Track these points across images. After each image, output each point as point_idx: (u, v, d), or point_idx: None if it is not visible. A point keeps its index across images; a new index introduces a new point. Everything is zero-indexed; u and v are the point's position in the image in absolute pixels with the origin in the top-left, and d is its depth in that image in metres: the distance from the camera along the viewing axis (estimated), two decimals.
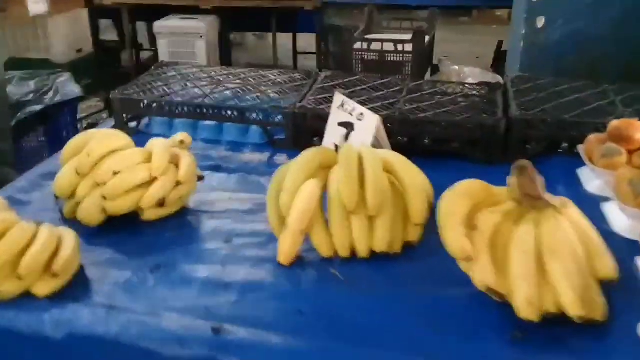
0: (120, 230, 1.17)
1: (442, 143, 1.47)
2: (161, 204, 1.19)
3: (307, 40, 4.93)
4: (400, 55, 2.55)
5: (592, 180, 1.27)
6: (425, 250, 1.10)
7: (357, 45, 2.58)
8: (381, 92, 1.64)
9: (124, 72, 4.72)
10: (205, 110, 1.60)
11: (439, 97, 1.60)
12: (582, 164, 1.36)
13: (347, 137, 1.36)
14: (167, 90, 1.70)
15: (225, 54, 4.69)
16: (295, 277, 1.04)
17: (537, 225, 0.93)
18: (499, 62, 4.17)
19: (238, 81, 1.77)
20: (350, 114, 1.36)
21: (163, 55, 4.37)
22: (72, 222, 1.19)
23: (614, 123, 1.25)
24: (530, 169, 0.92)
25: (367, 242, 1.06)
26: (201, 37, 4.26)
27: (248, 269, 1.06)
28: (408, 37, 2.61)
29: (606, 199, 1.21)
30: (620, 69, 2.35)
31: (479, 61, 4.96)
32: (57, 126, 2.63)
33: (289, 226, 1.05)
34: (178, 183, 1.21)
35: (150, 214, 1.19)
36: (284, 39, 4.85)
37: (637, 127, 1.21)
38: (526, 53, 2.39)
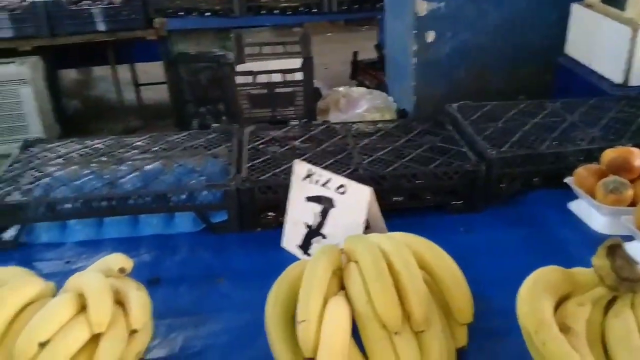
0: None
1: (415, 197, 1.27)
2: None
3: (144, 70, 4.48)
4: (291, 85, 2.32)
5: (597, 217, 1.17)
6: (477, 353, 0.90)
7: (241, 78, 2.30)
8: (326, 145, 1.40)
9: None
10: (114, 204, 1.22)
11: (388, 140, 1.41)
12: (569, 197, 1.27)
13: (324, 214, 1.10)
14: (49, 182, 1.28)
15: (55, 99, 4.05)
16: None
17: (634, 309, 0.77)
18: (356, 73, 4.16)
19: (141, 154, 1.40)
20: (325, 186, 1.10)
21: None
22: None
23: (610, 153, 1.16)
24: (622, 247, 0.76)
25: None
26: (26, 83, 3.60)
27: None
28: (292, 62, 2.40)
29: (626, 238, 1.11)
30: (503, 77, 2.39)
31: (329, 72, 4.92)
32: None
33: None
34: (132, 332, 0.86)
35: None
36: (108, 72, 4.30)
37: (635, 154, 1.13)
38: (419, 69, 2.31)
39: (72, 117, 4.17)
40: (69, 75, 4.83)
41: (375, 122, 1.54)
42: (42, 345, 0.78)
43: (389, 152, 1.34)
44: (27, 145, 1.45)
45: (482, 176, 1.24)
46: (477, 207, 1.27)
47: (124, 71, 4.24)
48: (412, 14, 2.24)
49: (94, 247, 1.21)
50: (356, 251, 0.88)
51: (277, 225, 1.23)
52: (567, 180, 1.22)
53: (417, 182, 1.24)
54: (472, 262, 0.94)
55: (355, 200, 1.05)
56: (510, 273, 1.08)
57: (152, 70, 4.52)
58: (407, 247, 0.89)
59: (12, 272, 0.90)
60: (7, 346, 0.79)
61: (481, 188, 1.25)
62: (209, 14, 3.70)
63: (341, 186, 1.07)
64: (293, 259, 1.16)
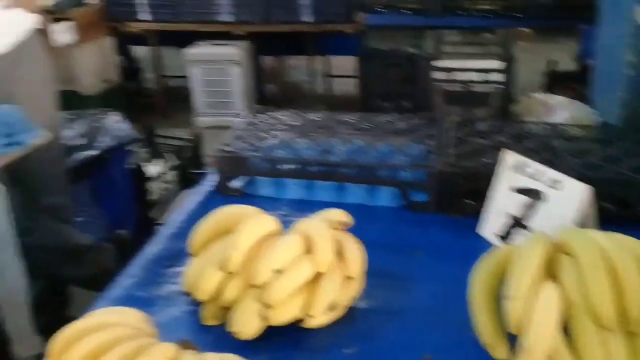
0: (284, 344, 0.92)
1: (630, 208, 1.22)
2: (332, 307, 0.93)
3: (337, 63, 4.73)
4: (488, 85, 2.32)
5: None
6: None
7: (437, 74, 2.35)
8: (530, 142, 1.39)
9: (151, 103, 4.50)
10: (326, 170, 1.35)
11: (600, 146, 1.36)
12: None
13: (530, 207, 1.11)
14: (273, 143, 1.46)
15: (258, 81, 4.46)
16: None
17: None
18: (554, 85, 3.96)
19: (351, 130, 1.52)
20: (535, 179, 1.11)
21: (196, 84, 4.14)
22: (212, 329, 0.95)
23: None
24: None
25: None
26: (237, 64, 4.03)
27: None
28: (490, 63, 2.39)
29: None
30: None
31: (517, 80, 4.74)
32: (107, 174, 2.36)
33: (531, 350, 0.79)
34: (347, 278, 0.96)
35: (316, 321, 0.93)
36: (303, 61, 4.61)
37: None
38: (631, 81, 2.15)
39: (269, 100, 4.56)
40: (267, 61, 5.28)
41: (585, 127, 1.49)
42: (276, 272, 0.91)
43: (602, 158, 1.29)
44: (256, 110, 1.65)
45: None
46: None
47: (313, 62, 4.52)
48: (629, 21, 2.10)
49: (306, 205, 1.35)
50: (572, 243, 0.88)
51: (475, 213, 1.26)
52: None
53: (634, 191, 1.18)
54: None
55: (569, 197, 1.04)
56: None
57: (340, 63, 4.76)
58: (626, 247, 0.87)
59: (253, 210, 1.05)
60: (247, 272, 0.93)
61: None
62: (407, 11, 3.80)
63: (555, 181, 1.07)
64: (490, 245, 1.19)
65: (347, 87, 4.72)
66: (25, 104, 1.59)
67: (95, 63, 3.95)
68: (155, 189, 2.89)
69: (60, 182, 1.94)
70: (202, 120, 4.13)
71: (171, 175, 3.06)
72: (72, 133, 2.26)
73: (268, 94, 4.73)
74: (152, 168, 2.99)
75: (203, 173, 3.17)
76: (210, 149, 3.48)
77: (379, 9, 3.80)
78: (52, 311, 1.93)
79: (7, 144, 1.38)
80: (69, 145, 2.19)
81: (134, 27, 4.13)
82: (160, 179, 3.03)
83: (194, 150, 3.31)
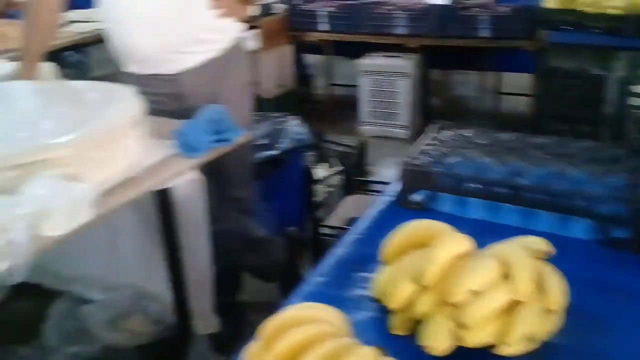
0: None
1: None
2: (529, 338, 0.90)
3: (508, 79, 4.54)
4: None
5: None
6: None
7: (634, 99, 2.16)
8: None
9: (319, 109, 4.71)
10: (514, 193, 1.31)
11: None
12: None
13: None
14: (457, 160, 1.44)
15: (424, 93, 4.45)
16: None
17: None
18: None
19: (543, 153, 1.45)
20: None
21: (364, 93, 4.24)
22: (399, 338, 0.96)
23: None
24: None
25: None
26: (406, 76, 4.06)
27: None
28: None
29: None
30: None
31: None
32: (282, 174, 2.51)
33: None
34: (546, 311, 0.92)
35: (511, 349, 0.91)
36: (473, 76, 4.50)
37: None
38: None
39: (434, 113, 4.52)
40: (435, 74, 5.25)
41: None
42: (473, 293, 0.90)
43: None
44: (441, 127, 1.65)
45: None
46: None
47: (482, 77, 4.40)
48: None
49: (489, 227, 1.32)
50: None
51: None
52: None
53: None
54: None
55: None
56: None
57: (511, 81, 4.58)
58: None
59: (447, 227, 1.05)
60: (442, 288, 0.93)
61: None
62: (596, 30, 3.53)
63: None
64: None
65: (517, 105, 4.52)
66: (229, 104, 1.75)
67: (275, 69, 4.22)
68: (320, 191, 3.01)
69: (246, 178, 2.10)
70: (367, 129, 4.22)
71: (335, 180, 3.17)
72: (258, 133, 2.44)
73: (433, 107, 4.70)
74: (319, 171, 3.12)
75: (366, 180, 3.25)
76: (374, 157, 3.55)
77: (564, 27, 3.58)
78: (226, 295, 2.10)
79: (216, 141, 1.54)
80: (256, 145, 2.37)
81: (312, 36, 4.34)
82: (325, 182, 3.15)
83: (359, 157, 3.39)
